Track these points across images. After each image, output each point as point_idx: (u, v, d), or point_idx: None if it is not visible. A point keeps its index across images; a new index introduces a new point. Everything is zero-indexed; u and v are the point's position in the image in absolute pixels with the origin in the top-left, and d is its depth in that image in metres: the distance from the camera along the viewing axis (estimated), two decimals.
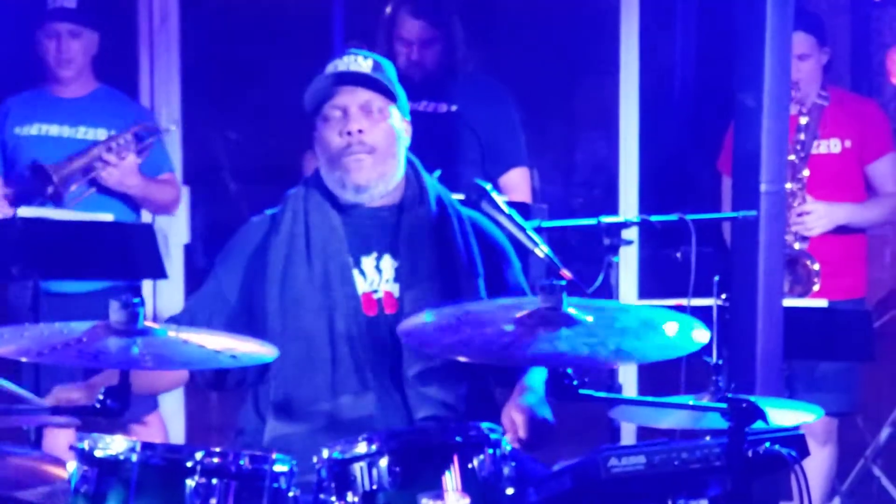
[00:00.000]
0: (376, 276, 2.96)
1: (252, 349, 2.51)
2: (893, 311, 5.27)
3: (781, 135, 3.54)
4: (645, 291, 4.96)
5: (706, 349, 2.86)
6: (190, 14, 5.24)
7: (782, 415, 2.65)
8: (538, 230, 3.23)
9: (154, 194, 4.56)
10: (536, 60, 6.83)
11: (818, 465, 4.25)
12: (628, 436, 4.30)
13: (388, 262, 2.96)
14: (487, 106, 4.41)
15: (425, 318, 2.48)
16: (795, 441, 2.56)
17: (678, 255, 3.46)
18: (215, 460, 2.30)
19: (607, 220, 3.30)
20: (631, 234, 4.53)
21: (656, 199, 5.05)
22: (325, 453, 2.42)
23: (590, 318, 2.41)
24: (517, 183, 4.40)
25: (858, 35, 7.04)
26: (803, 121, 4.33)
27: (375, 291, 2.94)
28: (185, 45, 5.14)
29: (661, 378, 3.71)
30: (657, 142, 5.64)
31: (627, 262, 4.78)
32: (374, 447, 2.38)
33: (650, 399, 2.64)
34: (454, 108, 4.30)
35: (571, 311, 2.40)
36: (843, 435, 4.43)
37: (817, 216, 4.28)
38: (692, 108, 6.65)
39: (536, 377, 2.90)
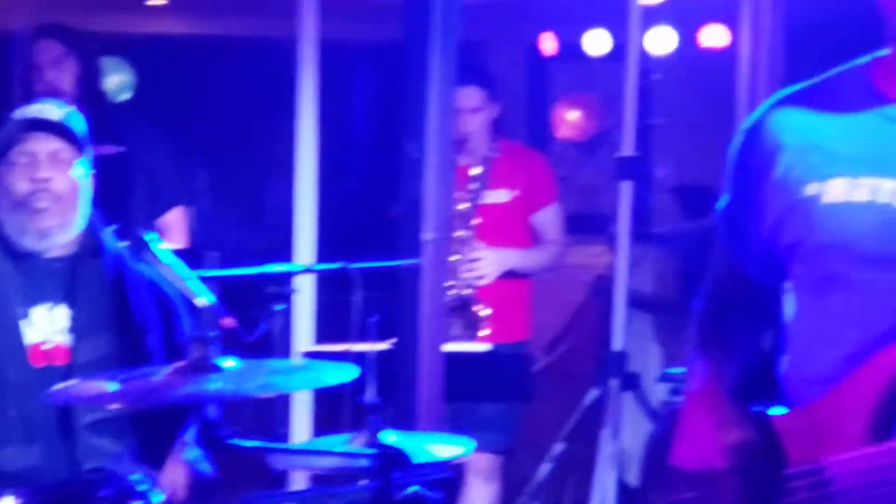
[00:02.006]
0: (47, 327, 2.94)
1: None
2: (557, 352, 5.53)
3: (445, 185, 3.69)
4: (323, 336, 5.03)
5: (361, 390, 2.97)
6: None
7: (437, 449, 2.78)
8: (207, 278, 3.25)
9: None
10: (215, 107, 6.85)
11: (483, 502, 4.42)
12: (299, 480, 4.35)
13: (61, 312, 2.95)
14: (149, 146, 4.42)
15: (109, 387, 2.48)
16: (444, 483, 2.68)
17: (354, 300, 3.57)
18: None
19: (271, 268, 3.36)
20: (306, 280, 4.62)
21: (337, 245, 5.14)
22: None
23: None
24: (176, 222, 4.45)
25: (535, 88, 7.38)
26: (474, 171, 4.51)
27: (44, 342, 2.92)
28: None
29: (335, 418, 3.77)
30: (336, 189, 5.76)
31: (302, 309, 4.84)
32: (20, 501, 2.36)
33: (298, 446, 2.71)
34: (120, 149, 4.27)
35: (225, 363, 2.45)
36: (507, 472, 4.61)
37: (488, 262, 4.46)
38: (371, 155, 6.80)
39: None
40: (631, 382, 4.53)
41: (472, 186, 4.51)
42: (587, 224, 6.96)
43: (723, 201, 2.14)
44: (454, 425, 4.23)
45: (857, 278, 1.93)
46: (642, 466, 4.25)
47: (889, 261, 1.90)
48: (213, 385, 2.37)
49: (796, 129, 2.00)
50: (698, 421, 2.06)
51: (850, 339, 1.94)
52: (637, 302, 5.24)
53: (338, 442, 2.91)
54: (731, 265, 2.15)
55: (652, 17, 6.77)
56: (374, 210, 5.42)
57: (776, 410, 2.07)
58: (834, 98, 2.02)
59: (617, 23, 4.52)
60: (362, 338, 3.35)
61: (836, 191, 1.93)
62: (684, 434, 2.07)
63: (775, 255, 2.04)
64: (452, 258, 4.35)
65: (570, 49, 6.81)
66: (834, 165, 1.95)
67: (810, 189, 1.95)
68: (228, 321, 2.97)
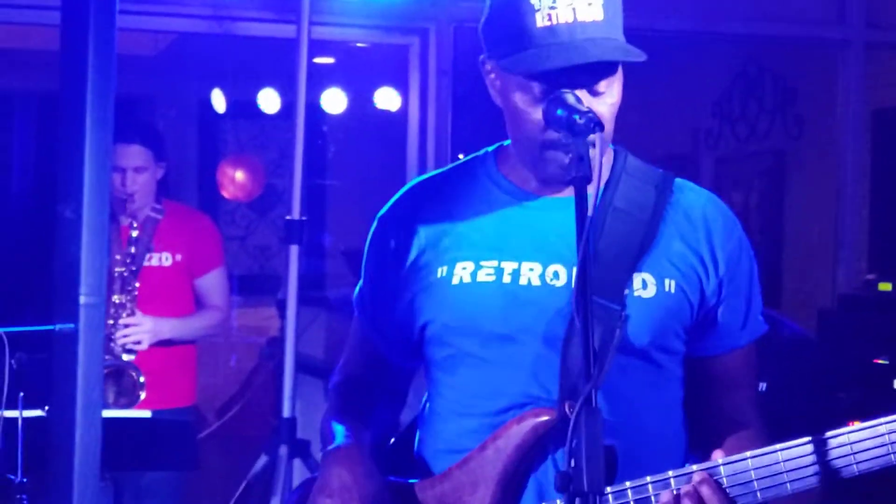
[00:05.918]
0: None
1: None
2: (228, 417, 5.41)
3: (100, 247, 3.52)
4: None
5: (9, 467, 2.80)
6: None
7: None
8: None
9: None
10: None
11: None
12: None
13: None
14: None
15: None
16: None
17: (12, 362, 3.40)
18: None
19: None
20: None
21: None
22: None
23: None
24: None
25: (206, 147, 7.25)
26: (135, 234, 4.34)
27: None
28: None
29: None
30: None
31: None
32: None
33: None
34: None
35: None
36: None
37: (143, 329, 4.28)
38: (29, 212, 6.52)
39: None
40: (300, 449, 4.45)
41: (132, 250, 4.34)
42: (260, 286, 6.87)
43: (360, 285, 2.22)
44: (117, 495, 4.09)
45: (481, 355, 2.04)
46: None
47: (509, 338, 2.02)
48: None
49: (429, 215, 2.12)
50: (336, 476, 2.07)
51: (476, 412, 2.05)
52: (308, 367, 5.17)
53: None
54: (370, 346, 2.24)
55: (327, 78, 6.82)
56: (32, 271, 5.19)
57: (415, 481, 2.12)
58: (464, 184, 2.14)
59: (290, 82, 4.47)
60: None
61: (462, 273, 2.05)
62: (324, 488, 2.07)
63: (410, 338, 2.14)
64: (109, 323, 4.19)
65: (243, 107, 6.70)
66: (461, 249, 2.07)
67: (440, 272, 2.07)
68: None
